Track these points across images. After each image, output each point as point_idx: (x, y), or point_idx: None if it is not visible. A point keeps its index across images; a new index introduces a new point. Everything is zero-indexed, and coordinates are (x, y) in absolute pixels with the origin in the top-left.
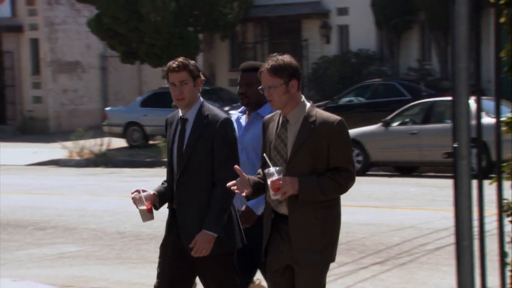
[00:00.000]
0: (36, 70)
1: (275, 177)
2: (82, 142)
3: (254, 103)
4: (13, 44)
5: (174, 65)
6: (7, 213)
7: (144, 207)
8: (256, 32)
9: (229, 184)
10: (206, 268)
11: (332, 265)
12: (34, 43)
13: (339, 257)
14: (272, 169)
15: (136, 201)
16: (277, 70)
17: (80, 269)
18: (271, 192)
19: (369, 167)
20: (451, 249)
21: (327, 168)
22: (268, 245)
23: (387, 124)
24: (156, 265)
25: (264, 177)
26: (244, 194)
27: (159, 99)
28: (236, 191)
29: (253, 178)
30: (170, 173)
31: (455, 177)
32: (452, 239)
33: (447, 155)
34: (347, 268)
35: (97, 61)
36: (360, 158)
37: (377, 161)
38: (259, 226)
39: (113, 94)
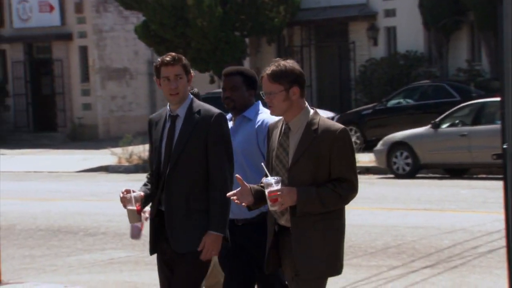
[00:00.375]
0: (85, 77)
1: (273, 187)
2: (130, 148)
3: (239, 107)
4: (62, 52)
5: (169, 59)
6: (58, 219)
7: (133, 208)
8: (303, 35)
9: (229, 194)
10: (180, 265)
11: (381, 268)
12: (83, 50)
13: (388, 261)
14: (270, 179)
15: (126, 201)
16: (277, 76)
17: (130, 275)
18: (269, 203)
19: (419, 170)
20: (504, 252)
21: (328, 178)
22: (276, 258)
23: (436, 126)
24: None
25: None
26: (244, 204)
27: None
28: (236, 201)
29: (255, 187)
30: (156, 173)
31: (504, 179)
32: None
33: (496, 156)
34: (397, 272)
35: (145, 67)
36: (409, 160)
37: (426, 163)
38: (257, 234)
39: (161, 100)
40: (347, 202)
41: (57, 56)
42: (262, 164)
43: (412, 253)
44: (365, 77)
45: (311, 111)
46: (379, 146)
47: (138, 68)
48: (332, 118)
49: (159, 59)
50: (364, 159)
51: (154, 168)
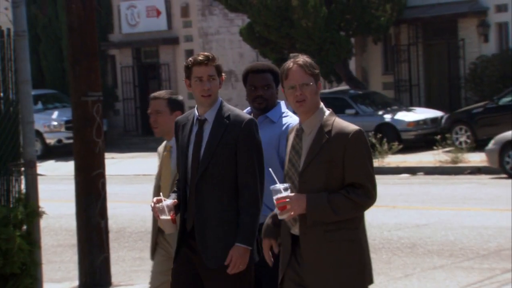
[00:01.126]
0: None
1: (282, 194)
2: None
3: (270, 107)
4: (169, 56)
5: (202, 58)
6: None
7: (168, 217)
8: (410, 33)
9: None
10: (216, 282)
11: (495, 271)
12: (189, 54)
13: (502, 263)
14: (278, 185)
15: (159, 211)
16: (309, 67)
17: None
18: (277, 211)
19: None
20: None
21: (342, 184)
22: (285, 269)
23: None
24: None
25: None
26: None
27: None
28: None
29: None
30: (183, 179)
31: None
32: None
33: None
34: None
35: None
36: None
37: None
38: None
39: None
40: (363, 210)
41: (164, 60)
42: (270, 169)
43: None
44: (476, 74)
45: (327, 112)
46: (490, 145)
47: (243, 70)
48: (441, 118)
49: (190, 59)
50: (475, 159)
51: (180, 173)
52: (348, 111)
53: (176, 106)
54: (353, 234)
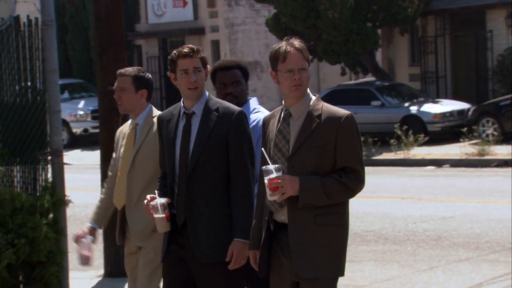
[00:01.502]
0: None
1: (273, 175)
2: None
3: (241, 104)
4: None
5: (187, 50)
6: None
7: (162, 215)
8: (437, 25)
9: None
10: (212, 278)
11: None
12: (215, 44)
13: None
14: (270, 166)
15: (153, 209)
16: (305, 52)
17: None
18: (268, 192)
19: None
20: None
21: (332, 169)
22: (269, 259)
23: None
24: None
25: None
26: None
27: (338, 96)
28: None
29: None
30: (171, 175)
31: None
32: None
33: None
34: None
35: None
36: None
37: None
38: None
39: None
40: (354, 195)
41: None
42: (262, 149)
43: None
44: (503, 66)
45: (313, 97)
46: None
47: (268, 61)
48: (468, 110)
49: (175, 51)
50: (502, 151)
51: (167, 169)
52: (374, 103)
53: (142, 84)
54: (342, 219)
